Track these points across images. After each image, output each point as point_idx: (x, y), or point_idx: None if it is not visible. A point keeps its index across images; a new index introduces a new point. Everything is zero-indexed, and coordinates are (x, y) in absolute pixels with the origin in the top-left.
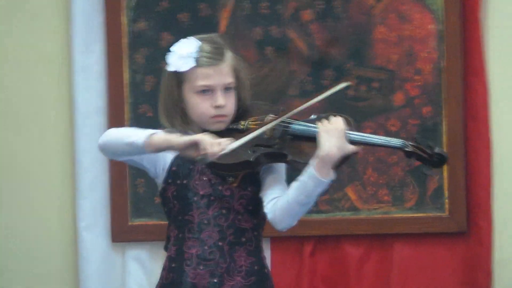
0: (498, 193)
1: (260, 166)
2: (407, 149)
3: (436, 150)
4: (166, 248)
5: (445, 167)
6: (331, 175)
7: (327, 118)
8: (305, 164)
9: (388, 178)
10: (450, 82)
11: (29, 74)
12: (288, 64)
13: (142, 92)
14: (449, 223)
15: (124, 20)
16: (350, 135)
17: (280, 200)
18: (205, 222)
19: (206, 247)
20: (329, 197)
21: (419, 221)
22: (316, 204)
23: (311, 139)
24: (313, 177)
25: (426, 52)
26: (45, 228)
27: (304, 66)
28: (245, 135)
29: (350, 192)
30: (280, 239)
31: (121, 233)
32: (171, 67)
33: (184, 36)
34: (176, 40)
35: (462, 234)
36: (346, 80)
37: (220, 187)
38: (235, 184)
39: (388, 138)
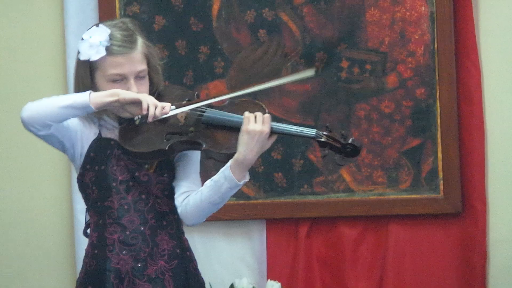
0: (492, 174)
1: (175, 154)
2: (320, 139)
3: (350, 140)
4: (85, 233)
5: (439, 149)
6: (246, 178)
7: (247, 108)
8: (219, 153)
9: (383, 160)
10: (442, 64)
11: (22, 58)
12: (280, 46)
13: None
14: (444, 204)
15: (117, 3)
16: (272, 127)
17: (193, 197)
18: (125, 207)
19: (127, 232)
20: (324, 178)
21: (414, 203)
22: (311, 185)
23: (226, 128)
24: (229, 179)
25: (419, 34)
26: (42, 212)
27: (297, 49)
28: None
29: (345, 174)
30: (276, 221)
31: None
32: (82, 56)
33: (177, 20)
34: (170, 23)
35: (457, 215)
36: (338, 63)
37: (137, 173)
38: (151, 171)
39: (302, 128)
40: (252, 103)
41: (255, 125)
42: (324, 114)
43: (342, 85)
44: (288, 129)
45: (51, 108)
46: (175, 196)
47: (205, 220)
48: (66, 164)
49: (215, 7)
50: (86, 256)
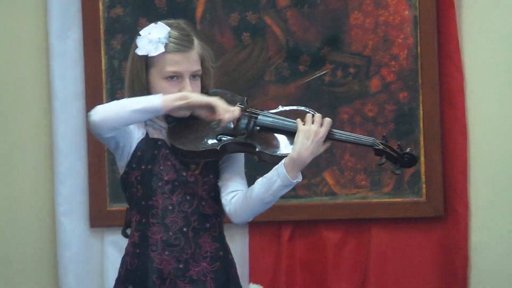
0: (474, 178)
1: (225, 155)
2: (377, 147)
3: (407, 150)
4: (124, 233)
5: (422, 153)
6: (299, 177)
7: (300, 114)
8: (272, 155)
9: (366, 163)
10: (425, 68)
11: (5, 60)
12: (264, 50)
13: (119, 78)
14: (426, 208)
15: (101, 6)
16: (331, 132)
17: (242, 195)
18: (170, 207)
19: (171, 233)
20: (307, 181)
21: (397, 206)
22: (294, 189)
23: (278, 131)
24: (283, 176)
25: (402, 38)
26: (24, 213)
27: (280, 52)
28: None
29: (328, 177)
30: (258, 224)
31: (100, 218)
32: (141, 51)
33: None
34: None
35: (439, 219)
36: (322, 66)
37: (184, 173)
38: (197, 171)
39: (360, 136)
40: (306, 110)
41: (312, 125)
42: None
43: (326, 88)
44: (346, 136)
45: (122, 111)
46: (222, 195)
47: None
48: (47, 169)
49: (199, 9)
50: (126, 254)
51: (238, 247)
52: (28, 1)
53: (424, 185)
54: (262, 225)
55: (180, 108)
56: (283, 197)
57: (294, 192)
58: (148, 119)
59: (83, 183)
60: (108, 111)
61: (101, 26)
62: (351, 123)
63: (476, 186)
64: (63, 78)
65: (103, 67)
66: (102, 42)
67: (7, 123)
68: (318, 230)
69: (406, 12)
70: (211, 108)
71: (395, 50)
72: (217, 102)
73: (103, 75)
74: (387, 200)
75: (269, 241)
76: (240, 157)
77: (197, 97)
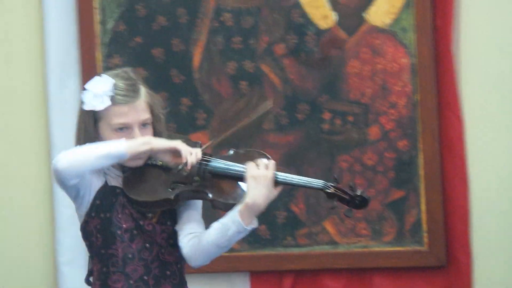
0: (476, 227)
1: (180, 203)
2: (328, 190)
3: (358, 192)
4: (87, 281)
5: (423, 201)
6: (254, 223)
7: (252, 157)
8: (225, 203)
9: (366, 212)
10: (425, 116)
11: (4, 109)
12: (262, 98)
13: None
14: (428, 257)
15: (99, 55)
16: (277, 177)
17: (199, 239)
18: (130, 256)
19: (131, 282)
20: (307, 230)
21: (398, 255)
22: (295, 238)
23: (231, 177)
24: (237, 223)
25: (400, 86)
26: (25, 263)
27: (278, 100)
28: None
29: (329, 226)
30: (259, 274)
31: None
32: (86, 106)
33: (158, 72)
34: (151, 75)
35: (442, 268)
36: (320, 114)
37: (141, 222)
38: (154, 220)
39: (310, 179)
40: (256, 152)
41: (259, 170)
42: (306, 166)
43: (325, 136)
44: (295, 180)
45: (87, 157)
46: (180, 238)
47: (188, 273)
48: (48, 218)
49: (196, 58)
50: None
51: None
52: (27, 51)
53: (425, 234)
54: (264, 274)
55: (144, 153)
56: (284, 246)
57: (294, 241)
58: (112, 164)
59: None
60: (72, 158)
61: None
62: (351, 171)
63: (478, 235)
64: (62, 127)
65: None
66: None
67: (7, 174)
68: (320, 279)
69: (404, 60)
70: (175, 152)
71: (393, 98)
72: (180, 145)
73: None
74: (388, 249)
75: None
76: (198, 202)
77: (160, 142)
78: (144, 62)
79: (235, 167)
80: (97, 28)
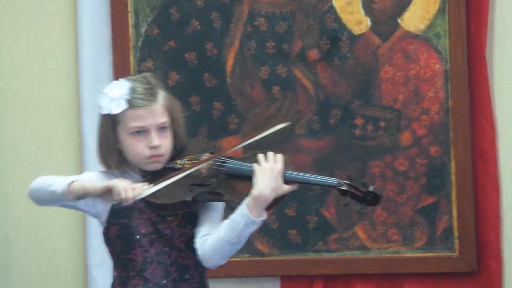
0: (507, 233)
1: (199, 205)
2: (341, 188)
3: (370, 188)
4: None
5: (454, 207)
6: (263, 216)
7: (264, 155)
8: (240, 203)
9: (398, 218)
10: (457, 122)
11: (38, 114)
12: (294, 103)
13: None
14: (459, 263)
15: (132, 59)
16: (286, 174)
17: (211, 238)
18: (148, 260)
19: (150, 285)
20: (338, 235)
21: (429, 261)
22: (326, 243)
23: (246, 178)
24: (245, 216)
25: (433, 92)
26: (56, 266)
27: (311, 105)
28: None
29: (360, 231)
30: (290, 278)
31: None
32: (103, 110)
33: (191, 76)
34: (184, 79)
35: (472, 274)
36: (353, 120)
37: (160, 226)
38: (175, 223)
39: (323, 177)
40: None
41: (266, 163)
42: (338, 171)
43: (356, 142)
44: (308, 177)
45: (43, 190)
46: (196, 240)
47: (219, 277)
48: (80, 222)
49: (229, 63)
50: None
51: None
52: (61, 55)
53: (456, 240)
54: (294, 279)
55: (81, 197)
56: (314, 251)
57: (325, 246)
58: (60, 203)
59: None
60: (37, 185)
61: None
62: (382, 177)
63: (510, 241)
64: (95, 132)
65: None
66: None
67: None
68: (350, 284)
69: (437, 66)
70: (110, 191)
71: (426, 104)
72: (114, 183)
73: None
74: (419, 255)
75: None
76: (218, 204)
77: (93, 187)
78: (177, 66)
79: (249, 167)
80: (131, 31)
